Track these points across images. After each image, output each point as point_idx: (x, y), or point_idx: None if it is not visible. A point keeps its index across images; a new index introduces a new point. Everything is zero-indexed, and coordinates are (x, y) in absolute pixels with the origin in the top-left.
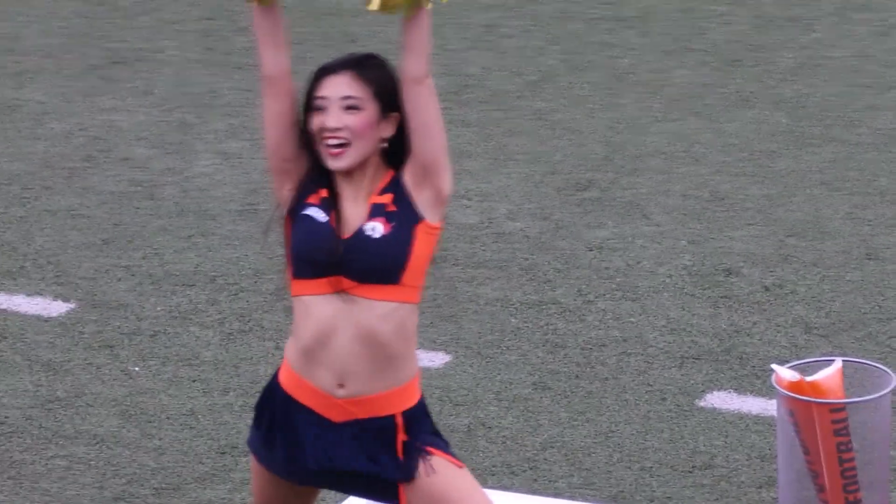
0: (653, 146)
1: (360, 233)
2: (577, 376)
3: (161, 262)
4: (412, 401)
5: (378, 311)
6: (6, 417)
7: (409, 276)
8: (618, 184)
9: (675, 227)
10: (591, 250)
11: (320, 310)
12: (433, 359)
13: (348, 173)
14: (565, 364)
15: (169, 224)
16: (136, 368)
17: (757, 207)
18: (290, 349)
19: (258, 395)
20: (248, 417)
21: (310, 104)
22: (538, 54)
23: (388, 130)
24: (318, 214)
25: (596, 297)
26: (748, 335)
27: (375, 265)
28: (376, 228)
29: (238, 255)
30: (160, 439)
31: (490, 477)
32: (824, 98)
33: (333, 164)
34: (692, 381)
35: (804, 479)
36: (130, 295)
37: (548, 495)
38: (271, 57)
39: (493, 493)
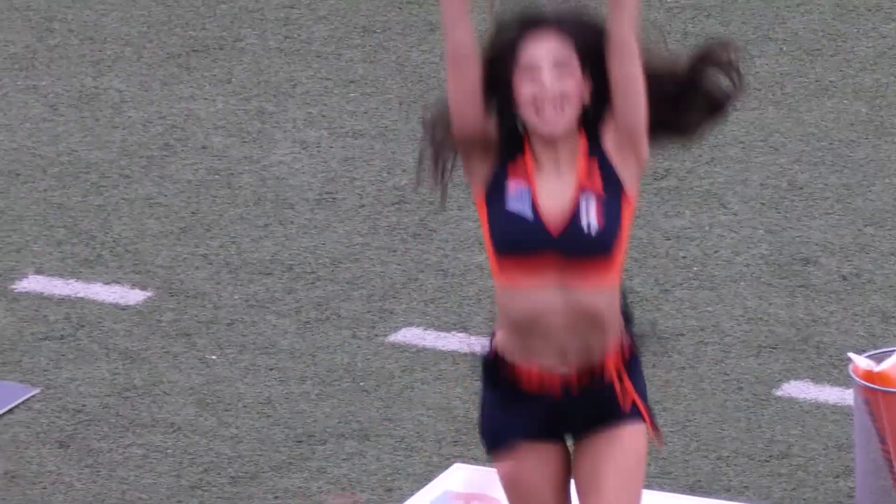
0: (731, 135)
1: (576, 227)
2: (653, 365)
3: (238, 251)
4: (624, 351)
5: (593, 291)
6: (84, 406)
7: (617, 254)
8: (695, 173)
9: (753, 217)
10: (668, 239)
11: (532, 298)
12: None
13: (552, 141)
14: (642, 353)
15: (246, 212)
16: (213, 357)
17: (835, 197)
18: (502, 336)
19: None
20: (325, 406)
21: (512, 67)
22: None
23: (587, 87)
24: (524, 209)
25: (673, 287)
26: (825, 325)
27: (592, 258)
28: (591, 225)
29: (315, 243)
30: (237, 428)
31: None
32: None
33: (552, 130)
34: (769, 371)
35: (881, 468)
36: (208, 283)
37: None
38: (461, 29)
39: None
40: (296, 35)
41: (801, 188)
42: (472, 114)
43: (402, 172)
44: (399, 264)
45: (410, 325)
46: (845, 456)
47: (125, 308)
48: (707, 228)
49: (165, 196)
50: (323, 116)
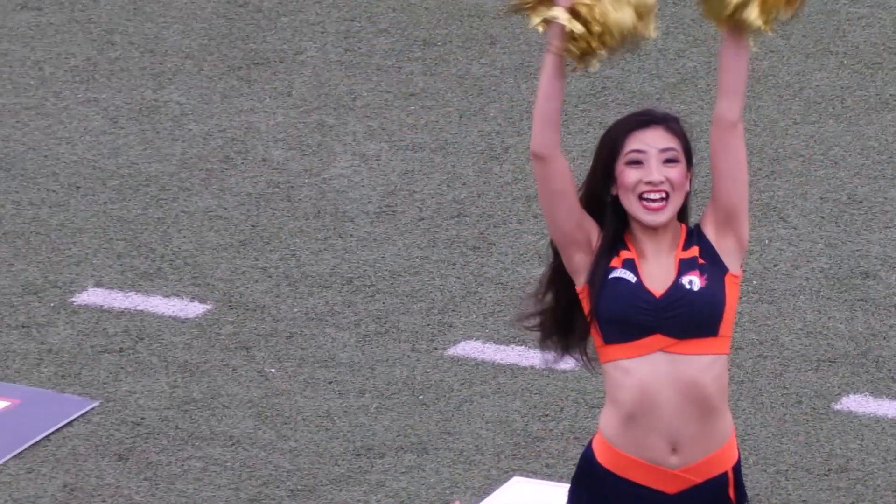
0: (791, 149)
1: (678, 287)
2: None
3: (298, 264)
4: (736, 455)
5: (700, 364)
6: (143, 419)
7: (724, 326)
8: (755, 186)
9: (812, 230)
10: None
11: (640, 372)
12: (568, 361)
13: (653, 231)
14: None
15: (306, 226)
16: (273, 370)
17: (895, 210)
18: (609, 422)
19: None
20: (384, 419)
21: (617, 158)
22: (678, 56)
23: (689, 185)
24: (627, 275)
25: None
26: (885, 338)
27: (697, 318)
28: (693, 282)
29: (375, 256)
30: (296, 441)
31: None
32: None
33: (654, 218)
34: (828, 385)
35: None
36: (267, 296)
37: None
38: (545, 135)
39: None
40: (356, 48)
41: (860, 202)
42: (565, 210)
43: (461, 185)
44: (458, 277)
45: (469, 338)
46: None
47: (184, 321)
48: (766, 242)
49: (225, 209)
50: (383, 129)
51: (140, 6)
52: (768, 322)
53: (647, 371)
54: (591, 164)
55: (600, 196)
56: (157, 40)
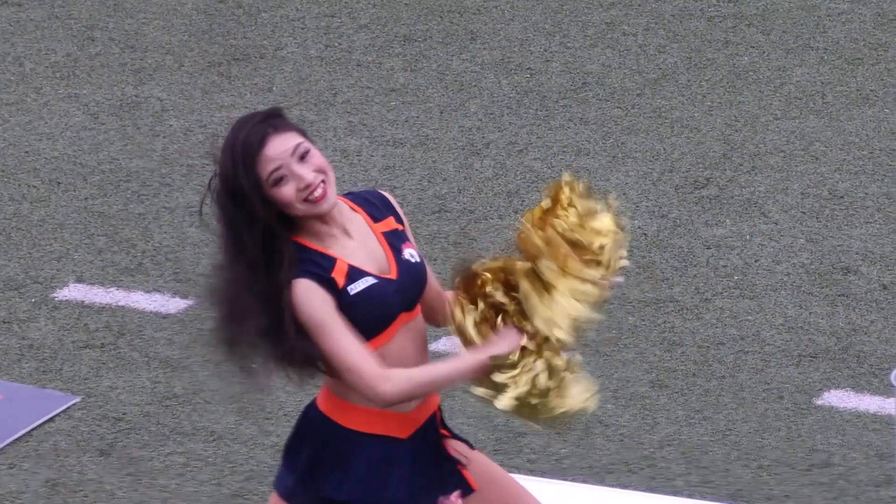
0: (771, 144)
1: (404, 264)
2: (694, 374)
3: None
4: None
5: (420, 319)
6: (124, 414)
7: None
8: (736, 182)
9: (793, 226)
10: (708, 248)
11: (393, 352)
12: None
13: (329, 216)
14: (682, 362)
15: None
16: (254, 365)
17: (876, 205)
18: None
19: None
20: None
21: (263, 187)
22: (659, 52)
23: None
24: (364, 280)
25: (713, 296)
26: (866, 334)
27: (422, 286)
28: (412, 253)
29: None
30: (278, 436)
31: (608, 475)
32: None
33: (325, 206)
34: (809, 380)
35: None
36: None
37: (665, 493)
38: None
39: (610, 492)
40: (337, 44)
41: (841, 197)
42: None
43: (442, 181)
44: (439, 273)
45: (450, 333)
46: (886, 465)
47: (166, 316)
48: (747, 237)
49: (206, 204)
50: (363, 125)
51: (120, 2)
52: (749, 317)
53: (396, 348)
54: (231, 220)
55: (272, 228)
56: (138, 36)
